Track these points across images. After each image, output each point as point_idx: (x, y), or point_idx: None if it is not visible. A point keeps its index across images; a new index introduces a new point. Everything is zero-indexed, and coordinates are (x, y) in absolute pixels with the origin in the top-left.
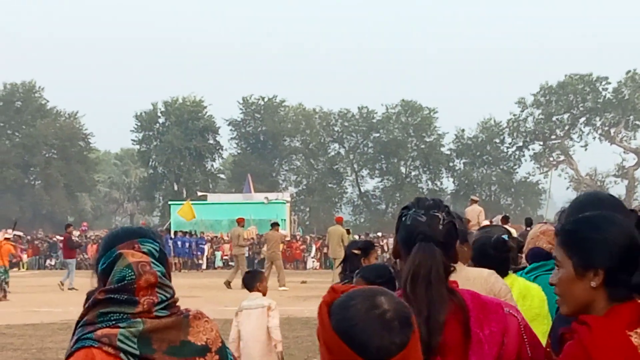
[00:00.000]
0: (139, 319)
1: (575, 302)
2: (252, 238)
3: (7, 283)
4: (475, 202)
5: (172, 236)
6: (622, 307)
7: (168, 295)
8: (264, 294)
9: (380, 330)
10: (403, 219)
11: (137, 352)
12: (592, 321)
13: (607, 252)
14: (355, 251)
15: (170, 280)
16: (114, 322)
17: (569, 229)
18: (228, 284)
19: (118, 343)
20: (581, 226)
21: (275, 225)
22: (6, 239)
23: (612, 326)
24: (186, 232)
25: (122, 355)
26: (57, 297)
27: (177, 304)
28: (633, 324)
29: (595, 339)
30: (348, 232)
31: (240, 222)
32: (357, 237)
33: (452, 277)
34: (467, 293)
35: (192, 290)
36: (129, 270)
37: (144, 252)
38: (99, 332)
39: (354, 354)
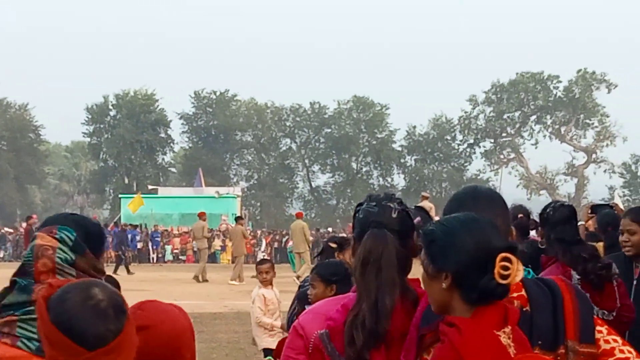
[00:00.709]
0: (32, 307)
1: (434, 301)
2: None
3: None
4: (426, 198)
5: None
6: (487, 309)
7: None
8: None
9: (96, 319)
10: (356, 214)
11: (35, 336)
12: (460, 323)
13: (453, 256)
14: (332, 244)
15: (91, 269)
16: (11, 312)
17: (425, 232)
18: (197, 278)
19: (17, 331)
20: (435, 229)
21: (239, 219)
22: None
23: (480, 327)
24: (136, 226)
25: (19, 343)
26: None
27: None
28: (500, 324)
29: (466, 341)
30: None
31: (202, 216)
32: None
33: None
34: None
35: (141, 284)
36: (30, 253)
37: (56, 238)
38: (2, 321)
39: (73, 344)
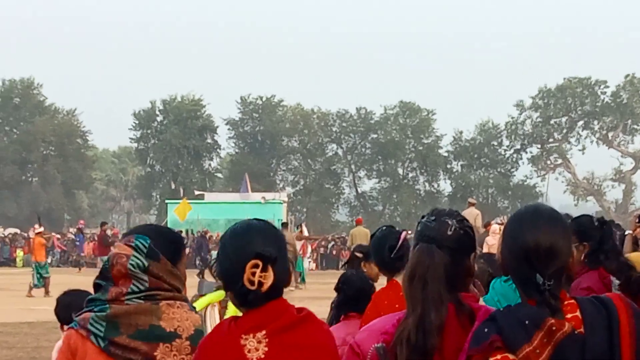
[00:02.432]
0: (107, 305)
1: None
2: None
3: (43, 278)
4: (473, 205)
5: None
6: (248, 314)
7: (142, 287)
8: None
9: None
10: (416, 228)
11: (102, 334)
12: (216, 327)
13: (220, 261)
14: (358, 254)
15: (166, 275)
16: (91, 307)
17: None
18: None
19: (88, 326)
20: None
21: (285, 225)
22: (37, 233)
23: (228, 330)
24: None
25: (91, 337)
26: (53, 295)
27: (164, 293)
28: (252, 329)
29: (205, 342)
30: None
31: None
32: None
33: None
34: (484, 308)
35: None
36: (107, 260)
37: (131, 246)
38: (81, 316)
39: None
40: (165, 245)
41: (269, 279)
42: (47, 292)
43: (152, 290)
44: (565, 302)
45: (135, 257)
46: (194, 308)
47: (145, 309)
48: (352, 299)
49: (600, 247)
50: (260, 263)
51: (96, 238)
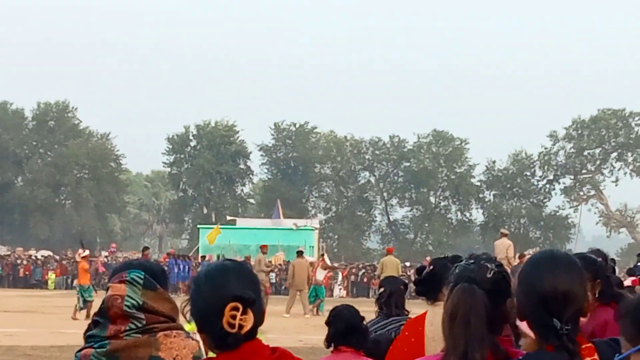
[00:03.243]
0: (106, 341)
1: None
2: (280, 264)
3: (86, 302)
4: (505, 235)
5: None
6: (224, 356)
7: (139, 325)
8: None
9: None
10: (453, 271)
11: None
12: None
13: (196, 303)
14: (403, 287)
15: (163, 302)
16: (91, 344)
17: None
18: None
19: None
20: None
21: (300, 253)
22: (83, 257)
23: None
24: (185, 256)
25: None
26: (84, 319)
27: (160, 325)
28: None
29: None
30: None
31: (263, 248)
32: None
33: None
34: (519, 353)
35: None
36: (103, 302)
37: (126, 281)
38: (82, 352)
39: None
40: (154, 276)
41: (249, 321)
42: (88, 316)
43: (149, 324)
44: (583, 346)
45: (130, 297)
46: (189, 334)
47: (143, 342)
48: (342, 333)
49: (608, 282)
50: (240, 306)
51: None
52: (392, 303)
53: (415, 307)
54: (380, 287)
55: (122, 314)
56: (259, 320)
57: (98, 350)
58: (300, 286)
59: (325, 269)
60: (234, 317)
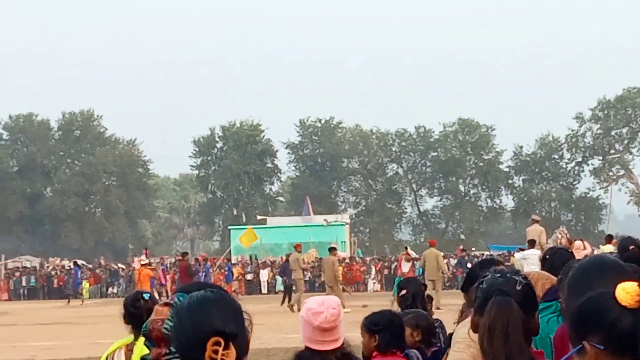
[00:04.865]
0: None
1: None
2: (312, 261)
3: None
4: (537, 221)
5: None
6: None
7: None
8: None
9: None
10: (480, 285)
11: None
12: None
13: (177, 335)
14: (423, 287)
15: None
16: None
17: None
18: (292, 307)
19: None
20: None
21: (332, 249)
22: (143, 265)
23: None
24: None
25: None
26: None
27: None
28: None
29: None
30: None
31: (298, 247)
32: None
33: None
34: None
35: (254, 317)
36: (145, 325)
37: (171, 305)
38: None
39: None
40: None
41: (231, 356)
42: None
43: None
44: None
45: (170, 320)
46: None
47: None
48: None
49: None
50: (221, 341)
51: (172, 268)
52: (417, 304)
53: (449, 297)
54: (401, 290)
55: (162, 337)
56: (242, 353)
57: None
58: (329, 282)
59: (409, 261)
60: (215, 351)
